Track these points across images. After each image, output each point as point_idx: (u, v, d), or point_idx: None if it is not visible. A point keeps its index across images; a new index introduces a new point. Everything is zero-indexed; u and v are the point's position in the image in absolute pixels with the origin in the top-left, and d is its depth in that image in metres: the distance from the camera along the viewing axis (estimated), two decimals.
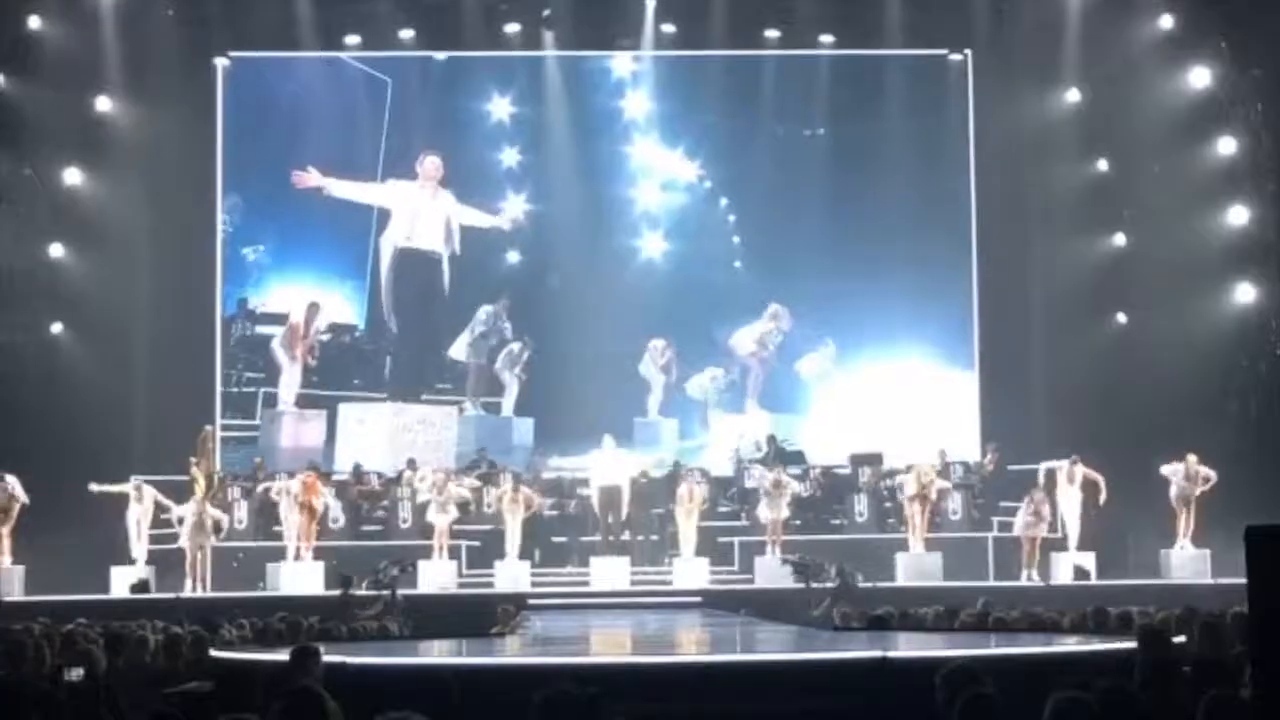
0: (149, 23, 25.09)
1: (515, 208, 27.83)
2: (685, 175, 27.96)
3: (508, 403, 27.71)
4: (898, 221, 26.42)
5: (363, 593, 19.59)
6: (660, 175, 28.05)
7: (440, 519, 22.78)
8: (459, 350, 27.72)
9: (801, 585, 20.00)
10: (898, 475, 23.97)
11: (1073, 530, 22.77)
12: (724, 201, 27.94)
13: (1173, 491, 22.58)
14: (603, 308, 26.70)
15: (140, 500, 22.63)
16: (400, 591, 19.54)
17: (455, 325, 27.92)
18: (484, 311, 27.73)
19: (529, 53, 26.93)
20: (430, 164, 27.81)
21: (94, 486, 22.45)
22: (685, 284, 27.58)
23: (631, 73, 27.99)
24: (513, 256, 27.95)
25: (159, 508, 22.78)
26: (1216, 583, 20.61)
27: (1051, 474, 23.03)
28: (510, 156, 27.84)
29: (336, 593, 19.43)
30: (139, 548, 22.60)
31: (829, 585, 19.78)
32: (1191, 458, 22.45)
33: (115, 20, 24.74)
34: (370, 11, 25.97)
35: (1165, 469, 22.59)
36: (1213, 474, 22.36)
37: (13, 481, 22.10)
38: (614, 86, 28.16)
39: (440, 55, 27.45)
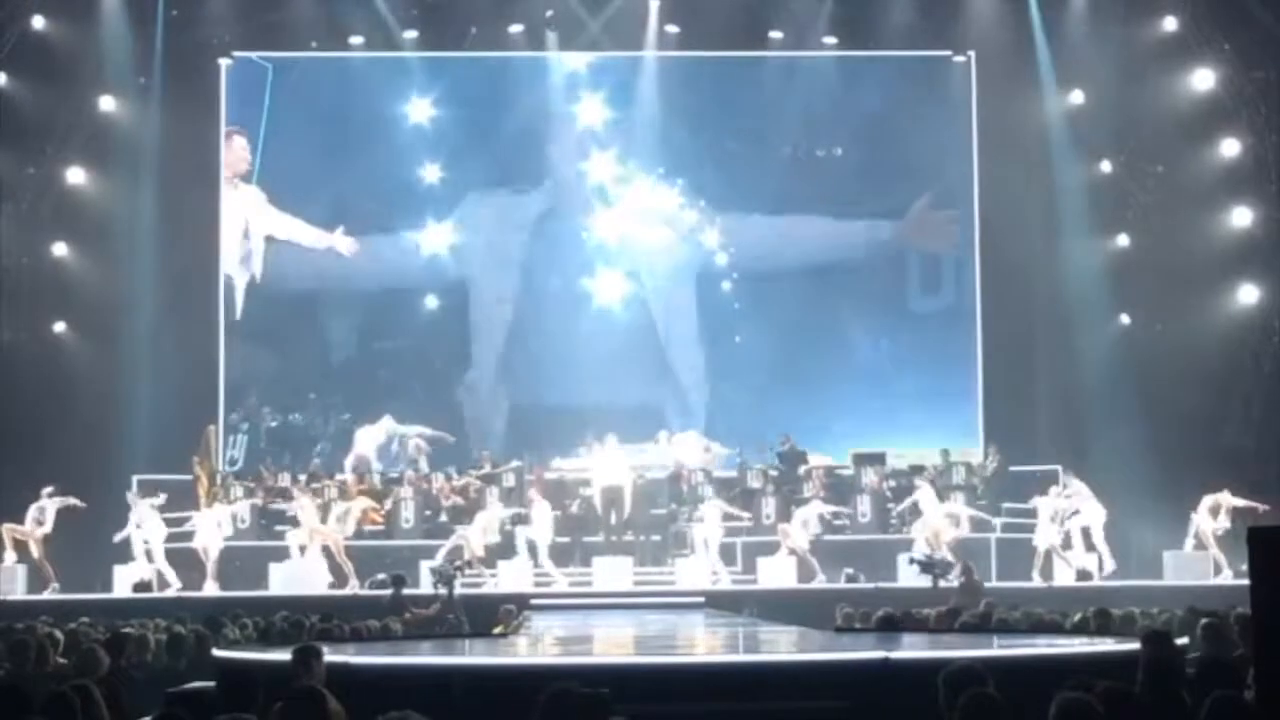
0: (152, 22, 25.09)
1: (438, 238, 25.82)
2: (664, 203, 26.45)
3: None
4: (898, 226, 26.46)
5: (417, 591, 19.68)
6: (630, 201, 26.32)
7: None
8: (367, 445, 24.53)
9: (929, 584, 20.02)
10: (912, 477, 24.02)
11: (1099, 542, 22.62)
12: (712, 235, 26.66)
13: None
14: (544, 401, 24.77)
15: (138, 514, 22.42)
16: (458, 591, 19.53)
17: (241, 383, 25.56)
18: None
19: (533, 53, 26.76)
20: (236, 147, 25.21)
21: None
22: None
23: (600, 71, 26.52)
24: (431, 302, 25.84)
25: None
26: (1219, 583, 20.61)
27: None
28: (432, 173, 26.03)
29: (388, 592, 19.45)
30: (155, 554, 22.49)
31: (955, 584, 19.80)
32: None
33: (119, 19, 24.76)
34: (375, 12, 25.91)
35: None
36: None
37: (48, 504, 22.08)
38: (571, 89, 26.51)
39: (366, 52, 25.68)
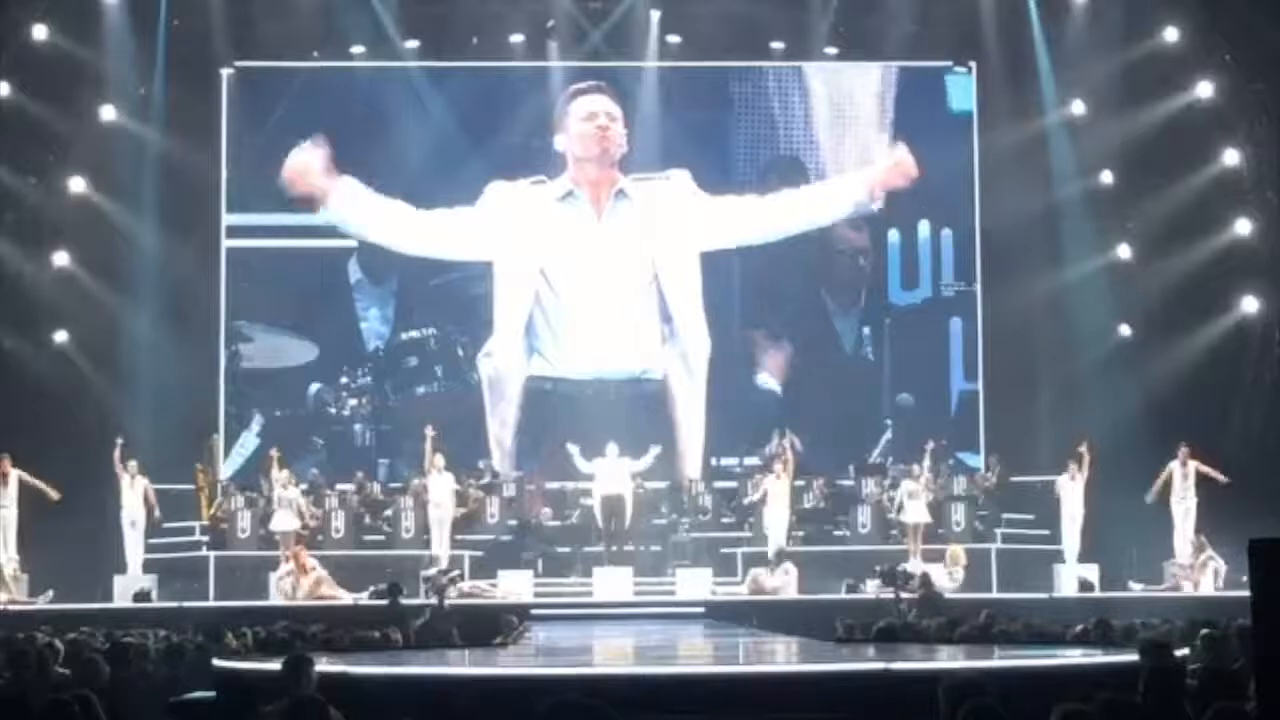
0: (154, 32, 25.10)
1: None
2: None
3: None
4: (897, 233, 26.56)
5: (411, 601, 19.66)
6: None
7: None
8: None
9: (890, 595, 20.05)
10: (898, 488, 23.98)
11: (1073, 535, 22.72)
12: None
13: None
14: None
15: (133, 489, 22.46)
16: (449, 600, 19.48)
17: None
18: None
19: (534, 63, 26.76)
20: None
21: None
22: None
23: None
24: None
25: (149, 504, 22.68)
26: (1220, 595, 20.62)
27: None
28: None
29: (384, 601, 19.44)
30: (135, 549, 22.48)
31: (914, 595, 19.81)
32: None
33: (120, 30, 24.77)
34: (376, 22, 25.92)
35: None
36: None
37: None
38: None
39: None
